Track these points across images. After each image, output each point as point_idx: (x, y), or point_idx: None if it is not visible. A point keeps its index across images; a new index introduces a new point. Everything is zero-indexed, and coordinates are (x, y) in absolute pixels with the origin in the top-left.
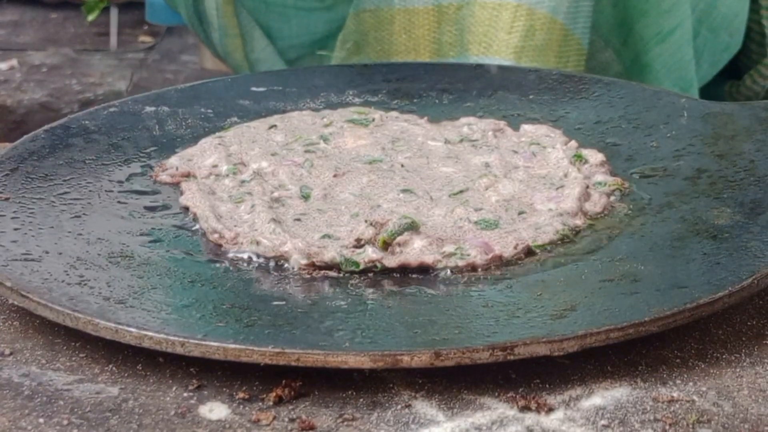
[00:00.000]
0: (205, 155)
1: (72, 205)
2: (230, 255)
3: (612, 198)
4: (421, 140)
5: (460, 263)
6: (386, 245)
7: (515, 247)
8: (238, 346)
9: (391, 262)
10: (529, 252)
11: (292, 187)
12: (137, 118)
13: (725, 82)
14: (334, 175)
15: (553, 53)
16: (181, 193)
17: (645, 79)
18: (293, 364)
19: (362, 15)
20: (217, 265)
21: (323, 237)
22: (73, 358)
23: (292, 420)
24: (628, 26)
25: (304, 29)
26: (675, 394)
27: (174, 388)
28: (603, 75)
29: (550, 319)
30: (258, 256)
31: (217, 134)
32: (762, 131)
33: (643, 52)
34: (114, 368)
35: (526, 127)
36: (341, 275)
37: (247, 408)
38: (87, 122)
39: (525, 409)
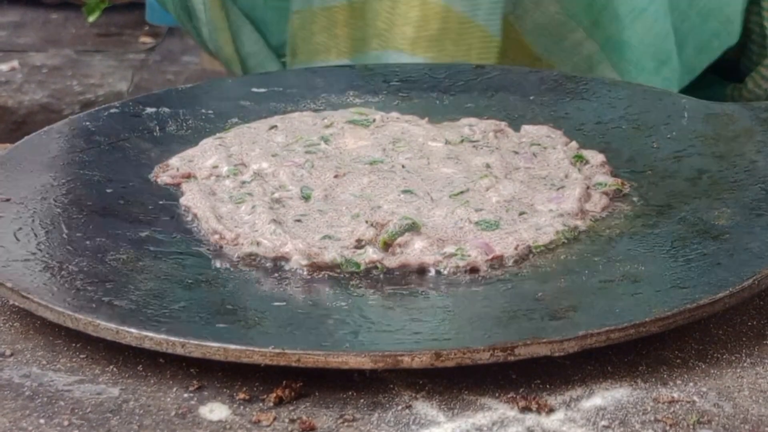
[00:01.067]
0: (205, 156)
1: (73, 206)
2: (231, 256)
3: (612, 199)
4: (421, 141)
5: (461, 264)
6: (387, 246)
7: (516, 248)
8: (238, 347)
9: (391, 262)
10: (529, 253)
11: (293, 188)
12: (138, 119)
13: (727, 86)
14: (335, 176)
15: (451, 42)
16: (182, 194)
17: (622, 56)
18: (294, 364)
19: (293, 17)
20: (218, 266)
21: (324, 238)
22: (74, 359)
23: (292, 421)
24: (601, 5)
25: None
26: (675, 395)
27: (174, 389)
28: (574, 56)
29: (550, 319)
30: (258, 256)
31: (218, 135)
32: (763, 132)
33: (618, 29)
34: (115, 369)
35: (526, 128)
36: (342, 276)
37: (247, 409)
38: (88, 123)
39: (525, 409)
